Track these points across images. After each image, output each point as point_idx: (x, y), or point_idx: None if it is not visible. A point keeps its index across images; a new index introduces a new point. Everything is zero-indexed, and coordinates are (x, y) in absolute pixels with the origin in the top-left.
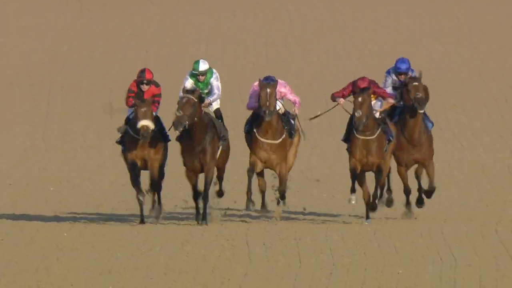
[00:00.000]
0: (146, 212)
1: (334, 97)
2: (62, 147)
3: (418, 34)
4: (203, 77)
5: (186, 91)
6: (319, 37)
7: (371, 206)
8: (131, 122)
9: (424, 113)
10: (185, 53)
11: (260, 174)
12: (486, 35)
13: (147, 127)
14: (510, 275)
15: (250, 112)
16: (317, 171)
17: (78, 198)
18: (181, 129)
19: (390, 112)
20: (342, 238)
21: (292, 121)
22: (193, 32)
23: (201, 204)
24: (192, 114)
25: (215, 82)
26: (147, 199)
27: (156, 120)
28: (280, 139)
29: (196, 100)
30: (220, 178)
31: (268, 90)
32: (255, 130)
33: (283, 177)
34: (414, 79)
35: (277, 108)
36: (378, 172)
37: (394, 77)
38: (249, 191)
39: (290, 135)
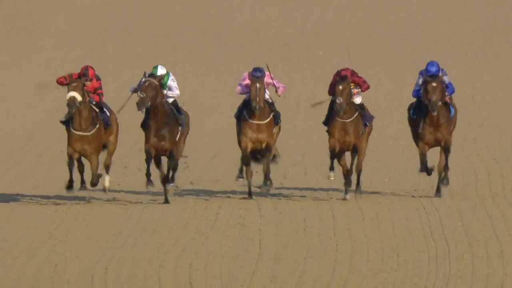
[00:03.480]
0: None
1: (329, 92)
2: (114, 82)
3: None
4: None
5: (148, 75)
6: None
7: (348, 181)
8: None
9: (447, 103)
10: (201, 17)
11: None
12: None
13: (74, 97)
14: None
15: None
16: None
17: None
18: (144, 109)
19: (417, 106)
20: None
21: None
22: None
23: (155, 171)
24: (154, 96)
25: (172, 83)
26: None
27: (102, 107)
28: (267, 120)
29: (157, 83)
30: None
31: (258, 84)
32: (245, 113)
33: (271, 149)
34: (433, 79)
35: (266, 97)
36: (354, 151)
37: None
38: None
39: (276, 122)
